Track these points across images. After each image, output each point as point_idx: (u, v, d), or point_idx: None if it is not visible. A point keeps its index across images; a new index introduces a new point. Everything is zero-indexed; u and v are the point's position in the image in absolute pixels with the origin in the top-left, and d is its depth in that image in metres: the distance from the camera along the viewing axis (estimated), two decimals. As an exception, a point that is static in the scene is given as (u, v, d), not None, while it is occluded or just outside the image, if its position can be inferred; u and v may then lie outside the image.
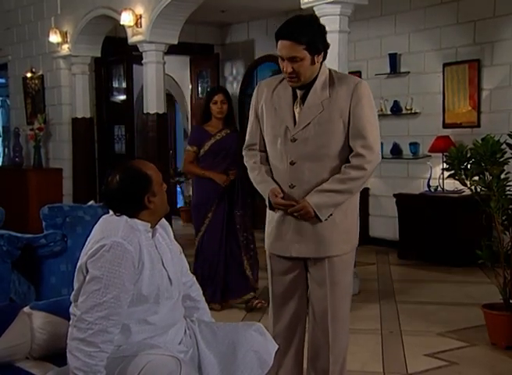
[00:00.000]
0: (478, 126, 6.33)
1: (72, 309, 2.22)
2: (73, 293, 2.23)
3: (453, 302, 4.93)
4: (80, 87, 7.76)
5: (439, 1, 6.59)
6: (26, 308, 2.59)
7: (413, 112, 6.85)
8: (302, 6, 4.96)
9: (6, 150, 9.66)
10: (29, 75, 8.50)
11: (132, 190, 2.23)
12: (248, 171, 2.83)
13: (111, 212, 2.29)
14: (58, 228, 3.47)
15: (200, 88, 9.17)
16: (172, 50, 6.90)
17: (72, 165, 8.01)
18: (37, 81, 8.41)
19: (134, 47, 6.86)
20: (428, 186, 6.46)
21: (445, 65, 6.56)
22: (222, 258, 4.65)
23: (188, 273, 2.54)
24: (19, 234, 3.36)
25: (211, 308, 4.05)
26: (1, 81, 10.54)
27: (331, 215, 2.65)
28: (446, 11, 6.53)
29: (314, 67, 2.61)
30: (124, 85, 8.24)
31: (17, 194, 8.01)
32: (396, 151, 6.97)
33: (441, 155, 6.23)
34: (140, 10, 6.62)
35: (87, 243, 2.24)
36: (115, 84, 8.42)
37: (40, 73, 8.36)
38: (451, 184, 6.11)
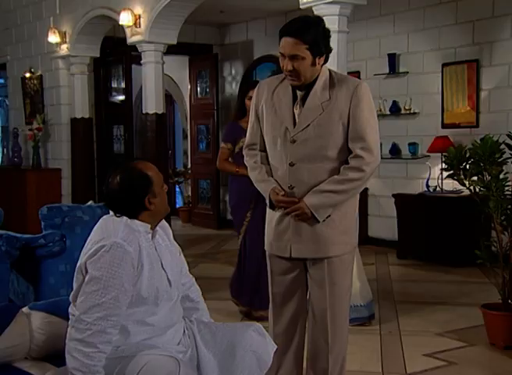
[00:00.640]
0: (477, 126, 6.33)
1: (71, 309, 2.22)
2: (72, 293, 2.23)
3: (452, 302, 4.94)
4: (79, 87, 7.76)
5: (438, 1, 6.60)
6: (25, 309, 2.59)
7: (412, 112, 6.85)
8: (301, 6, 4.96)
9: (5, 150, 9.68)
10: (28, 75, 8.50)
11: (132, 191, 2.23)
12: (249, 171, 2.83)
13: (111, 213, 2.29)
14: (56, 228, 3.47)
15: (199, 88, 9.18)
16: (171, 50, 6.90)
17: (71, 165, 8.01)
18: (35, 81, 8.40)
19: (133, 47, 6.86)
20: (427, 186, 6.47)
21: (444, 65, 6.57)
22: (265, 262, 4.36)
23: (187, 273, 2.54)
24: (17, 234, 3.35)
25: (261, 317, 4.03)
26: (-1, 81, 10.55)
27: (329, 216, 2.65)
28: (444, 11, 6.54)
29: (315, 69, 2.61)
30: (123, 85, 8.24)
31: (16, 195, 8.00)
32: (395, 152, 6.98)
33: (440, 155, 6.23)
34: (139, 10, 6.62)
35: (86, 243, 2.24)
36: (114, 84, 8.42)
37: (38, 73, 8.36)
38: (450, 184, 6.12)
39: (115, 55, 8.15)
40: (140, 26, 6.60)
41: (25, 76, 8.55)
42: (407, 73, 6.90)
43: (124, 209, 2.24)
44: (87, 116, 7.90)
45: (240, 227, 4.47)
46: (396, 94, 6.98)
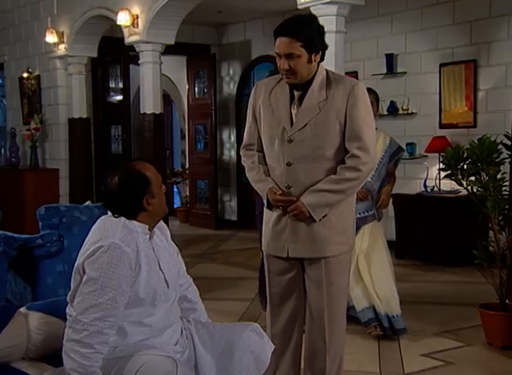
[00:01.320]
0: (475, 126, 6.34)
1: (68, 310, 2.21)
2: (70, 293, 2.22)
3: (450, 302, 4.94)
4: (77, 87, 7.75)
5: (436, 1, 6.61)
6: (23, 309, 2.59)
7: (409, 112, 6.86)
8: (299, 7, 4.96)
9: (2, 150, 9.65)
10: (25, 75, 8.49)
11: (131, 191, 2.22)
12: (246, 171, 2.84)
13: (109, 213, 2.29)
14: (54, 228, 3.46)
15: (196, 88, 9.18)
16: (168, 50, 6.90)
17: (69, 165, 8.00)
18: (33, 81, 8.39)
19: (131, 47, 6.86)
20: (425, 186, 6.47)
21: (441, 65, 6.58)
22: None
23: (185, 274, 2.53)
24: (15, 235, 3.34)
25: None
26: (-3, 81, 10.53)
27: (325, 215, 2.65)
28: (442, 11, 6.55)
29: (311, 66, 2.61)
30: (121, 85, 8.23)
31: (14, 195, 7.99)
32: (393, 152, 6.97)
33: (437, 155, 6.23)
34: (136, 10, 6.62)
35: (84, 244, 2.24)
36: (112, 84, 8.41)
37: (36, 73, 8.35)
38: (447, 185, 6.12)
39: (112, 55, 8.14)
40: (137, 27, 6.60)
41: (22, 76, 8.54)
42: (405, 73, 6.90)
43: (122, 210, 2.24)
44: (84, 116, 7.90)
45: None
46: (393, 94, 6.98)
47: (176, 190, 10.18)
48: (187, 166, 9.63)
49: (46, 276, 3.42)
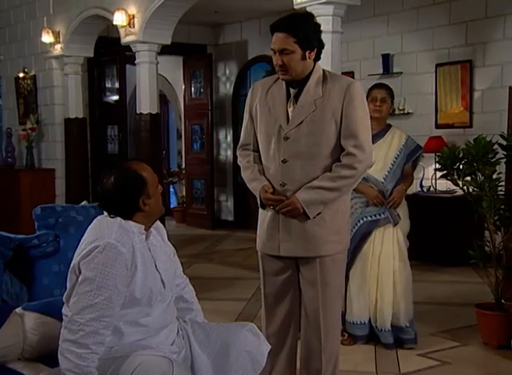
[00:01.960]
0: (470, 126, 6.35)
1: (64, 310, 2.21)
2: (66, 293, 2.22)
3: (446, 302, 4.95)
4: (73, 87, 7.74)
5: (432, 1, 6.62)
6: (19, 309, 2.59)
7: (405, 112, 6.87)
8: (295, 7, 4.97)
9: (-2, 150, 9.62)
10: (21, 75, 8.47)
11: (126, 191, 2.22)
12: (241, 170, 2.84)
13: (105, 213, 2.28)
14: (50, 229, 3.45)
15: (193, 88, 9.17)
16: (165, 50, 6.90)
17: (65, 165, 7.99)
18: (29, 81, 8.38)
19: (127, 47, 6.85)
20: (421, 186, 6.48)
21: (437, 65, 6.59)
22: None
23: (182, 274, 2.53)
24: (11, 235, 3.34)
25: None
26: (-7, 81, 10.50)
27: (319, 214, 2.65)
28: (438, 12, 6.56)
29: (306, 63, 2.62)
30: (117, 85, 8.23)
31: (9, 195, 7.98)
32: (389, 152, 6.98)
33: (433, 155, 6.25)
34: (132, 10, 6.61)
35: (80, 244, 2.24)
36: (108, 84, 8.41)
37: (32, 73, 8.34)
38: (443, 185, 6.13)
39: (109, 55, 8.13)
40: (134, 27, 6.59)
41: (18, 76, 8.52)
42: (401, 73, 6.91)
43: (118, 210, 2.24)
44: (80, 116, 7.89)
45: None
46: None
47: (172, 190, 10.17)
48: (184, 166, 9.63)
49: (42, 277, 3.41)
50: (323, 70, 2.71)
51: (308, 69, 2.64)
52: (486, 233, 4.03)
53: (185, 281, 2.55)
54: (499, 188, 3.81)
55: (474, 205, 3.85)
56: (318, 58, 2.67)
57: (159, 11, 6.38)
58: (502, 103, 6.10)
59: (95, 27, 7.49)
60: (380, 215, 3.83)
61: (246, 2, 7.49)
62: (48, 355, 2.44)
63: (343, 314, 3.81)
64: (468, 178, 3.87)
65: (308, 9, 4.77)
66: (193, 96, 9.16)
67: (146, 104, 6.75)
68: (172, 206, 10.02)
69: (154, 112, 6.81)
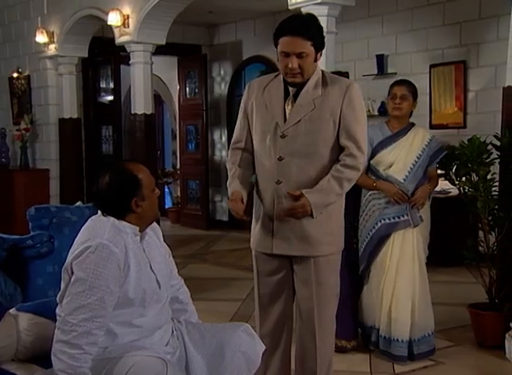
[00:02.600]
0: (465, 127, 6.37)
1: (58, 310, 2.20)
2: (59, 293, 2.21)
3: (440, 302, 4.93)
4: (67, 87, 7.73)
5: (426, 2, 6.63)
6: (13, 310, 2.58)
7: (400, 113, 6.87)
8: (289, 7, 4.97)
9: (-8, 150, 9.59)
10: (15, 75, 8.45)
11: (119, 192, 2.21)
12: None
13: (99, 213, 2.28)
14: (44, 229, 3.44)
15: (187, 89, 9.16)
16: (159, 50, 6.89)
17: (60, 165, 7.97)
18: (23, 81, 8.36)
19: (122, 47, 6.84)
20: (416, 186, 6.48)
21: (431, 66, 6.60)
22: (347, 279, 3.54)
23: (177, 275, 2.53)
24: (5, 235, 3.33)
25: (342, 347, 3.69)
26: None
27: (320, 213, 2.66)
28: (432, 12, 6.57)
29: (315, 64, 2.63)
30: (111, 85, 8.21)
31: (3, 195, 7.95)
32: (384, 152, 6.99)
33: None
34: (127, 10, 6.60)
35: (73, 244, 2.23)
36: (103, 85, 8.39)
37: (26, 73, 8.31)
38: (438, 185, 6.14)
39: (103, 55, 8.12)
40: (128, 27, 6.58)
41: (12, 76, 8.50)
42: (395, 73, 6.91)
43: (110, 210, 2.23)
44: (75, 116, 7.87)
45: None
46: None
47: (167, 190, 10.16)
48: (178, 166, 9.62)
49: (36, 277, 3.40)
50: (322, 71, 2.71)
51: (315, 70, 2.65)
52: (480, 233, 4.04)
53: (180, 282, 2.55)
54: (494, 189, 3.83)
55: (469, 206, 3.86)
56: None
57: (154, 11, 6.38)
58: (496, 104, 6.10)
59: (90, 27, 7.48)
60: (399, 217, 3.63)
61: (240, 3, 7.49)
62: (41, 356, 2.43)
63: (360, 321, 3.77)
64: (463, 178, 3.88)
65: (303, 10, 4.77)
66: (188, 96, 9.16)
67: (140, 104, 6.74)
68: (166, 207, 10.02)
69: (149, 112, 6.81)
